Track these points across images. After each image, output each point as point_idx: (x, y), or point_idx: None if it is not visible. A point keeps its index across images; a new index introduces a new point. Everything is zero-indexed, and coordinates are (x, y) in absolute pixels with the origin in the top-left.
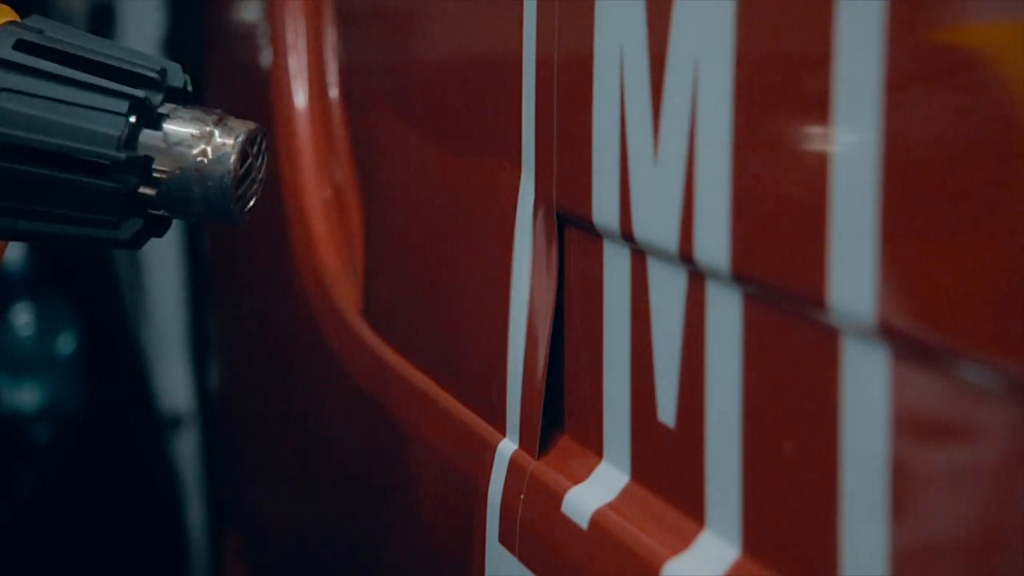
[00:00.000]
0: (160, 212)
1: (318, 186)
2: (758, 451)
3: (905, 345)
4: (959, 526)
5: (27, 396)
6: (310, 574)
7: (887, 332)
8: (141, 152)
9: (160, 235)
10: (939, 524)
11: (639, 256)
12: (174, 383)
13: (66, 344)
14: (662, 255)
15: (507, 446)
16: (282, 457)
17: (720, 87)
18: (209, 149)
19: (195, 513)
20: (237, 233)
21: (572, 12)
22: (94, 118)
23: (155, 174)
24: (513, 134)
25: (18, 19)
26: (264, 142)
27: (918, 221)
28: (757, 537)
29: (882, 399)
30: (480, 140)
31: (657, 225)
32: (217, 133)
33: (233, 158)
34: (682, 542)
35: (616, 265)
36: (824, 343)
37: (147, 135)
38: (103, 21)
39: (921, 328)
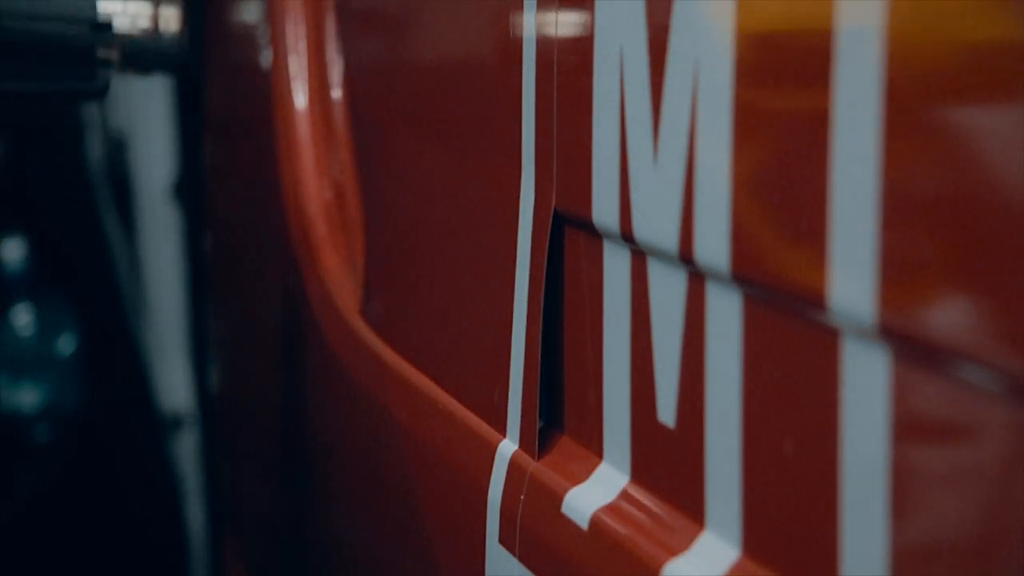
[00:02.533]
0: (118, 67)
1: (318, 186)
2: (758, 451)
3: (905, 345)
4: (959, 526)
5: (27, 396)
6: (310, 574)
7: (887, 332)
8: (107, 14)
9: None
10: (939, 524)
11: (639, 256)
12: (174, 383)
13: (66, 344)
14: (662, 255)
15: (507, 446)
16: (282, 457)
17: (720, 87)
18: (162, 15)
19: (195, 513)
20: (237, 233)
21: (572, 12)
22: None
23: (117, 33)
24: (513, 134)
25: None
26: None
27: (918, 221)
28: (757, 537)
29: (882, 399)
30: (480, 140)
31: (657, 225)
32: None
33: (182, 20)
34: (682, 543)
35: (616, 265)
36: (824, 343)
37: (109, 1)
38: None
39: (921, 328)
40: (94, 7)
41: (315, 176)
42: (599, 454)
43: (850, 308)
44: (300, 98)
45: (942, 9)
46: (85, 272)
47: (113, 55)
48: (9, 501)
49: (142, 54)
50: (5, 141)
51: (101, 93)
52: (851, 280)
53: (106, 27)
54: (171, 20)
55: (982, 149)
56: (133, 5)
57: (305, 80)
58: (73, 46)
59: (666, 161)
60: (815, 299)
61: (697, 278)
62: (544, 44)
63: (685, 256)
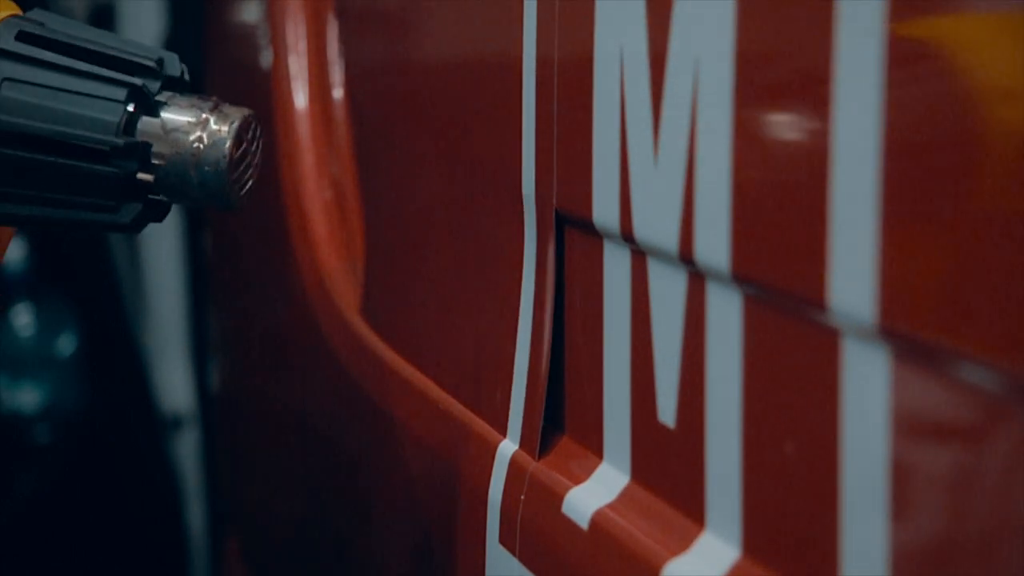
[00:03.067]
0: (159, 197)
1: (318, 186)
2: (758, 452)
3: (905, 345)
4: (959, 526)
5: (27, 396)
6: (310, 574)
7: (887, 332)
8: (139, 138)
9: (159, 220)
10: (939, 524)
11: (639, 257)
12: (174, 383)
13: (66, 344)
14: (662, 255)
15: (507, 447)
16: (282, 457)
17: (720, 87)
18: (205, 135)
19: (195, 513)
20: (237, 233)
21: (572, 12)
22: (93, 105)
23: (153, 160)
24: (513, 134)
25: (20, 12)
26: (258, 127)
27: (918, 221)
28: (757, 537)
29: (882, 399)
30: (480, 140)
31: (657, 225)
32: (212, 119)
33: (228, 144)
34: (682, 543)
35: (616, 265)
36: (824, 343)
37: (145, 122)
38: (103, 21)
39: (921, 328)
40: (118, 129)
41: (315, 176)
42: (599, 454)
43: (850, 308)
44: (300, 98)
45: (942, 8)
46: (85, 272)
47: (150, 180)
48: (9, 501)
49: (183, 185)
50: None
51: (131, 228)
52: (851, 280)
53: (134, 151)
54: (217, 144)
55: (982, 149)
56: (174, 125)
57: (305, 80)
58: (94, 173)
59: (666, 161)
60: (815, 299)
61: (697, 278)
62: (544, 44)
63: (685, 256)
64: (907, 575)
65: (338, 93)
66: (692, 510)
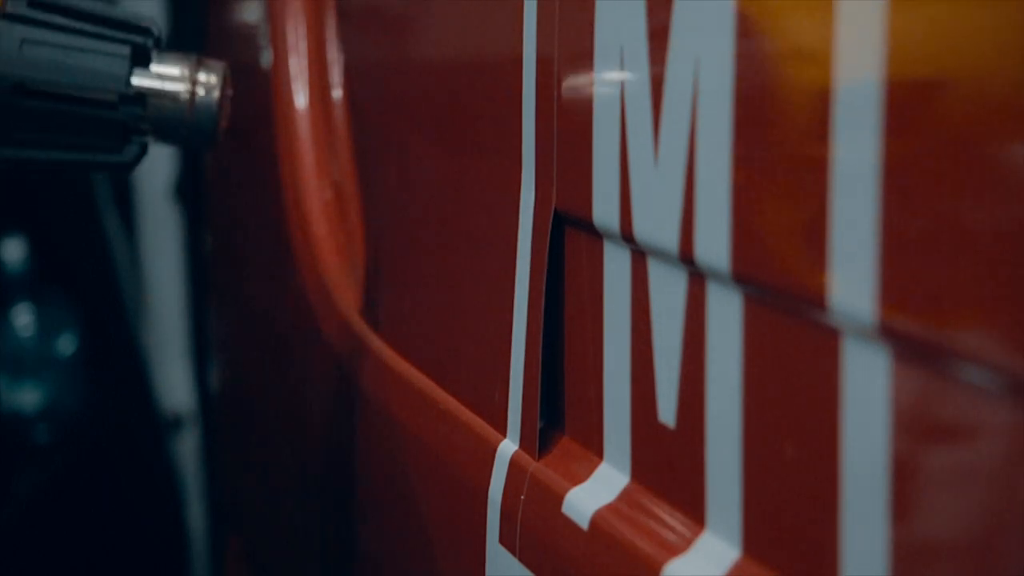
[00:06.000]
0: (149, 138)
1: (318, 186)
2: (758, 452)
3: (905, 345)
4: (959, 526)
5: (27, 397)
6: (310, 574)
7: (887, 332)
8: (139, 89)
9: (142, 158)
10: (939, 524)
11: (639, 257)
12: (174, 383)
13: (66, 345)
14: (662, 256)
15: (507, 447)
16: (282, 457)
17: (720, 87)
18: (199, 86)
19: (195, 513)
20: (237, 233)
21: (572, 12)
22: (102, 61)
23: (150, 106)
24: (513, 134)
25: None
26: (229, 76)
27: (918, 221)
28: (757, 537)
29: (882, 399)
30: (480, 140)
31: (657, 225)
32: (201, 72)
33: (218, 92)
34: (682, 543)
35: (616, 266)
36: (824, 343)
37: (143, 73)
38: None
39: (921, 328)
40: (126, 81)
41: (315, 176)
42: (599, 454)
43: (850, 308)
44: (300, 98)
45: (943, 10)
46: (85, 272)
47: (145, 127)
48: (9, 501)
49: (176, 127)
50: None
51: (130, 166)
52: (851, 280)
53: (138, 99)
54: (209, 91)
55: (982, 148)
56: (168, 76)
57: (305, 80)
58: (103, 119)
59: (666, 161)
60: (815, 299)
61: (697, 278)
62: (544, 44)
63: (685, 256)
64: (907, 575)
65: (338, 93)
66: (692, 510)
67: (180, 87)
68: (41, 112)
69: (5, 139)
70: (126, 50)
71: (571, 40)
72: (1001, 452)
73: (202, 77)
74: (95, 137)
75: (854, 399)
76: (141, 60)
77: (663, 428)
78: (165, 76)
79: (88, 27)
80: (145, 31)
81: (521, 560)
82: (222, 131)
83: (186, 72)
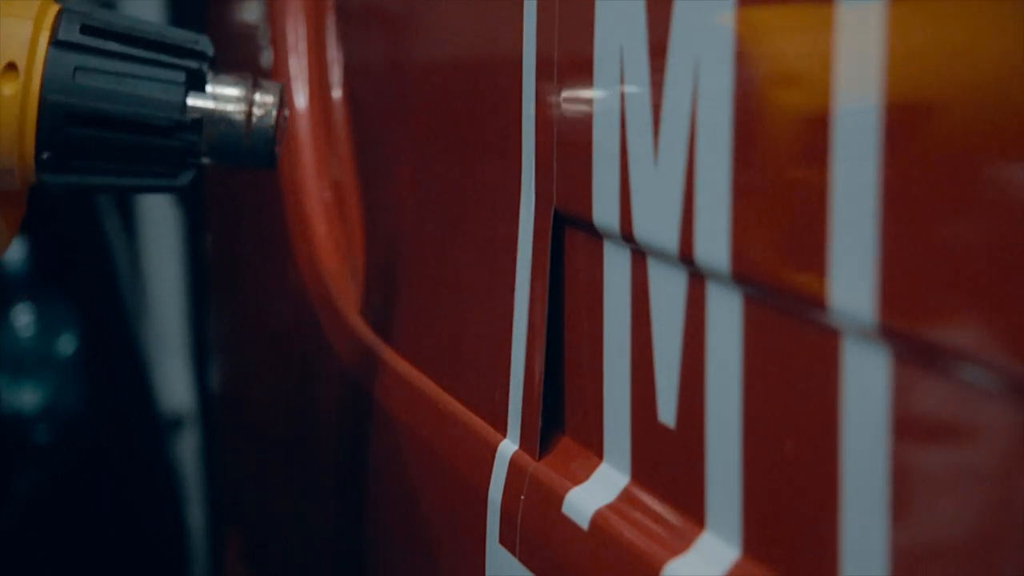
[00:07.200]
0: (207, 161)
1: (318, 186)
2: (758, 452)
3: (905, 345)
4: (959, 526)
5: (27, 396)
6: (310, 574)
7: (887, 332)
8: (195, 113)
9: (199, 180)
10: (939, 524)
11: (639, 256)
12: (174, 383)
13: (66, 344)
14: (662, 255)
15: (507, 447)
16: (282, 457)
17: (720, 87)
18: (255, 107)
19: (195, 513)
20: (237, 233)
21: (572, 12)
22: (156, 88)
23: (206, 130)
24: (513, 134)
25: (61, 7)
26: (284, 96)
27: (918, 221)
28: (757, 537)
29: (882, 399)
30: (480, 140)
31: (657, 225)
32: (258, 93)
33: (275, 113)
34: (682, 543)
35: (616, 265)
36: (824, 343)
37: (198, 97)
38: None
39: (921, 328)
40: (181, 107)
41: (315, 176)
42: (599, 454)
43: (850, 308)
44: (300, 98)
45: (943, 11)
46: (85, 272)
47: (202, 150)
48: (9, 501)
49: (233, 150)
50: None
51: (187, 189)
52: (851, 280)
53: (194, 126)
54: (265, 113)
55: (982, 148)
56: (224, 97)
57: (305, 80)
58: (159, 146)
59: (666, 161)
60: (815, 299)
61: (697, 278)
62: (544, 44)
63: (685, 256)
64: (907, 575)
65: (338, 93)
66: (692, 510)
67: (236, 109)
68: (97, 140)
69: (60, 166)
70: (181, 76)
71: (571, 40)
72: (1001, 452)
73: (258, 98)
74: (151, 164)
75: (854, 399)
76: (196, 84)
77: (663, 428)
78: (220, 98)
79: (141, 53)
80: (200, 55)
81: (521, 560)
82: (276, 150)
83: (242, 94)
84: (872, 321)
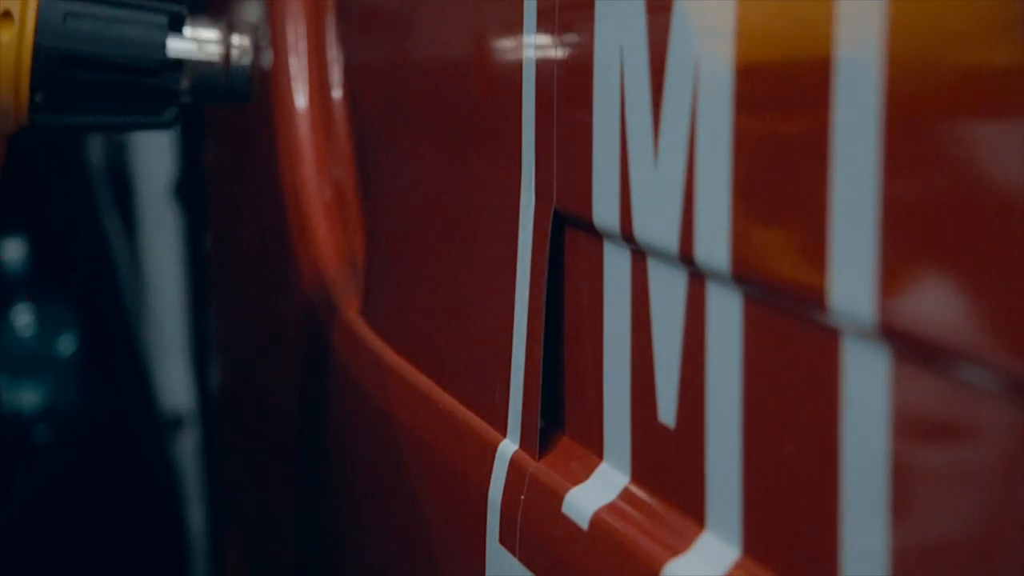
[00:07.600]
0: (189, 99)
1: (318, 186)
2: (758, 452)
3: (905, 345)
4: (959, 526)
5: (27, 396)
6: (310, 574)
7: (887, 332)
8: (178, 54)
9: (183, 117)
10: (939, 524)
11: (639, 257)
12: (174, 383)
13: (66, 345)
14: (662, 255)
15: (507, 446)
16: (282, 457)
17: (720, 87)
18: (233, 48)
19: (195, 513)
20: (237, 233)
21: (572, 12)
22: (142, 30)
23: (188, 70)
24: (513, 134)
25: None
26: (260, 35)
27: (919, 221)
28: (757, 537)
29: (882, 399)
30: (480, 140)
31: (657, 225)
32: (234, 34)
33: (251, 53)
34: (682, 543)
35: (616, 266)
36: (824, 343)
37: (179, 39)
38: None
39: (921, 328)
40: (163, 48)
41: (315, 176)
42: (599, 454)
43: (850, 308)
44: (300, 98)
45: (944, 12)
46: (85, 272)
47: (184, 88)
48: (9, 501)
49: (213, 88)
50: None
51: (170, 125)
52: (851, 280)
53: (176, 65)
54: (243, 53)
55: (982, 148)
56: (203, 40)
57: (305, 80)
58: (145, 85)
59: (666, 161)
60: (815, 299)
61: (697, 278)
62: (544, 44)
63: (685, 256)
64: (907, 575)
65: (338, 93)
66: (692, 510)
67: (216, 50)
68: (88, 81)
69: (56, 107)
70: (163, 19)
71: (571, 40)
72: (1001, 452)
73: (235, 40)
74: (138, 102)
75: (854, 399)
76: (176, 27)
77: (663, 428)
78: (201, 39)
79: None
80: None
81: (521, 560)
82: (255, 89)
83: (220, 36)
84: (872, 321)
